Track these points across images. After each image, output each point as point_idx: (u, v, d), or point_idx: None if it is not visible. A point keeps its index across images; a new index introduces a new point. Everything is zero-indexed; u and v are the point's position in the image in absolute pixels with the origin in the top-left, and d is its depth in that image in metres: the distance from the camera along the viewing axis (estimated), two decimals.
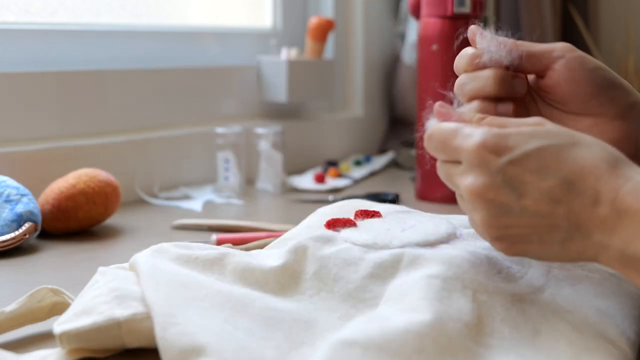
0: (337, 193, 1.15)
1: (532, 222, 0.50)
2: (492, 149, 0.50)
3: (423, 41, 1.06)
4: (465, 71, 0.61)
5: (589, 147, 0.49)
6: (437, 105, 0.56)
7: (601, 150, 0.49)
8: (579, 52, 0.60)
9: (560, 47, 0.60)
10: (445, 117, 0.55)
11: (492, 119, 0.54)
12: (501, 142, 0.50)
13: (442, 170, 0.54)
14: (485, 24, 1.34)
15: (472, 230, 0.61)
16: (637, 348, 0.50)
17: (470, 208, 0.52)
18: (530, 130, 0.51)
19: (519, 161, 0.49)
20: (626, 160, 0.49)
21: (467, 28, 0.62)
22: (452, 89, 0.62)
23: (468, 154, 0.51)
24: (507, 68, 0.60)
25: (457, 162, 0.52)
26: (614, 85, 0.59)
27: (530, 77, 0.62)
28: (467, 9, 1.03)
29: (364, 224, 0.62)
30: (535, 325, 0.51)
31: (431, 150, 0.54)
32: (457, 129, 0.52)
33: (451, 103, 0.60)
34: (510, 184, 0.49)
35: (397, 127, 1.52)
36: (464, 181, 0.51)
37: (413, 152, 1.36)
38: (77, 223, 0.89)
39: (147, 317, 0.51)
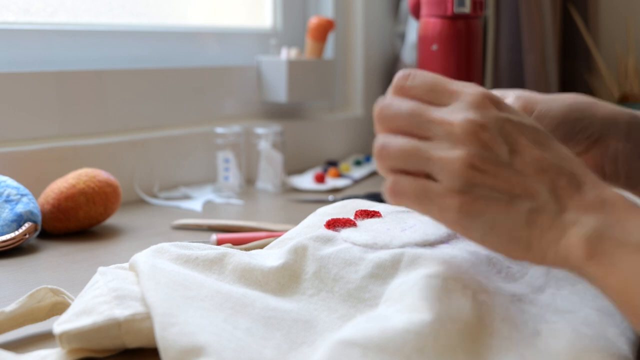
0: (337, 193, 1.15)
1: (512, 179, 0.48)
2: (494, 101, 0.50)
3: (423, 41, 1.06)
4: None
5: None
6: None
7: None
8: (537, 111, 0.62)
9: None
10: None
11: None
12: (502, 102, 0.51)
13: (413, 111, 0.51)
14: (485, 23, 1.33)
15: None
16: (637, 348, 0.50)
17: (451, 144, 0.49)
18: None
19: (517, 124, 0.50)
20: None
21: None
22: None
23: (469, 96, 0.50)
24: None
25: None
26: (574, 130, 0.63)
27: None
28: (467, 9, 1.03)
29: (363, 224, 0.62)
30: (535, 326, 0.51)
31: (412, 90, 0.51)
32: (450, 79, 0.52)
33: None
34: (505, 137, 0.49)
35: None
36: (458, 115, 0.49)
37: None
38: (77, 223, 0.89)
39: (147, 317, 0.51)
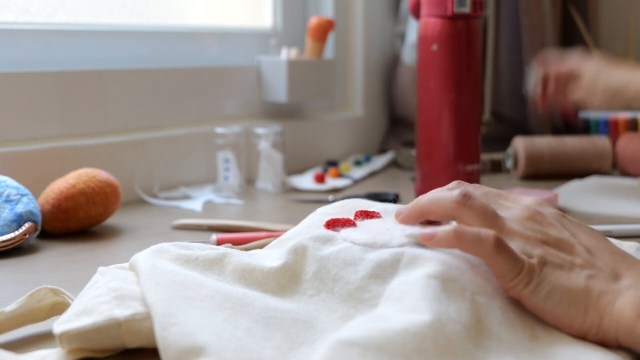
0: (337, 193, 1.15)
1: (573, 251, 0.52)
2: (549, 204, 0.57)
3: (423, 41, 1.06)
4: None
5: None
6: None
7: None
8: None
9: None
10: None
11: None
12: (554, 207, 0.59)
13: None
14: (485, 23, 1.33)
15: None
16: (634, 352, 0.50)
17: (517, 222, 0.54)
18: None
19: (572, 220, 0.56)
20: None
21: None
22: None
23: (526, 199, 0.57)
24: None
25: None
26: None
27: None
28: (467, 9, 1.03)
29: (363, 224, 0.62)
30: (532, 329, 0.51)
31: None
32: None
33: None
34: (564, 226, 0.55)
35: (397, 127, 1.52)
36: (521, 207, 0.56)
37: (413, 152, 1.36)
38: (77, 223, 0.89)
39: (147, 317, 0.51)
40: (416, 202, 0.58)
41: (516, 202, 0.57)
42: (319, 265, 0.56)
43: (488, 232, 0.51)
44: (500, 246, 0.51)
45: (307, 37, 1.31)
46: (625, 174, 1.30)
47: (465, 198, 0.54)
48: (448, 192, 0.55)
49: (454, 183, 0.59)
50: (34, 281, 0.71)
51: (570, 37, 1.60)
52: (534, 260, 0.51)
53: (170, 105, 1.18)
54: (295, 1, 1.42)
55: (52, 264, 0.79)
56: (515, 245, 0.52)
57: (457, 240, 0.52)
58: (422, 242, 0.55)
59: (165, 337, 0.47)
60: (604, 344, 0.49)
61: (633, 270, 0.51)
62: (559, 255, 0.52)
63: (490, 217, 0.53)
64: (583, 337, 0.50)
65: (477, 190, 0.57)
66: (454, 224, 0.60)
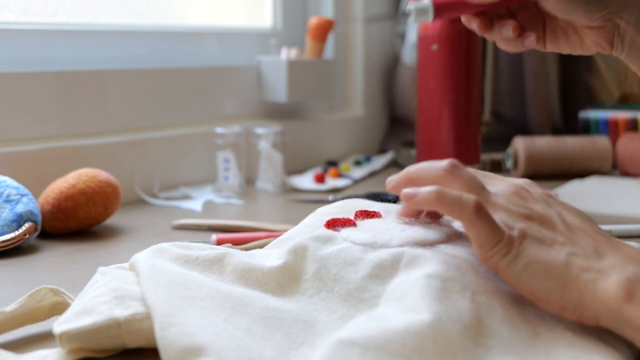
0: (337, 193, 1.15)
1: (557, 228, 0.52)
2: (536, 185, 0.58)
3: (423, 41, 1.06)
4: None
5: None
6: None
7: None
8: None
9: None
10: None
11: None
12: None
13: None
14: None
15: None
16: (635, 350, 0.50)
17: (503, 197, 0.54)
18: None
19: (558, 200, 0.57)
20: None
21: None
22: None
23: (514, 179, 0.58)
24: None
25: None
26: (594, 4, 0.71)
27: None
28: None
29: (363, 223, 0.62)
30: (534, 327, 0.51)
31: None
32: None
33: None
34: (549, 205, 0.55)
35: (397, 127, 1.52)
36: (507, 184, 0.56)
37: (413, 152, 1.36)
38: (77, 223, 0.89)
39: (147, 317, 0.51)
40: (406, 171, 0.57)
41: (504, 180, 0.57)
42: (319, 265, 0.56)
43: (469, 197, 0.51)
44: (480, 211, 0.51)
45: (307, 37, 1.31)
46: (625, 174, 1.30)
47: (454, 167, 0.54)
48: (438, 162, 0.55)
49: (446, 160, 0.59)
50: (34, 281, 0.71)
51: None
52: (515, 232, 0.51)
53: (170, 105, 1.18)
54: (295, 1, 1.42)
55: (52, 264, 0.79)
56: (497, 217, 0.52)
57: (438, 202, 0.52)
58: (404, 201, 0.54)
59: (165, 337, 0.47)
60: (581, 321, 0.49)
61: (617, 250, 0.51)
62: (541, 231, 0.52)
63: (477, 188, 0.54)
64: (560, 313, 0.50)
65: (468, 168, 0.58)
66: (457, 223, 0.60)
